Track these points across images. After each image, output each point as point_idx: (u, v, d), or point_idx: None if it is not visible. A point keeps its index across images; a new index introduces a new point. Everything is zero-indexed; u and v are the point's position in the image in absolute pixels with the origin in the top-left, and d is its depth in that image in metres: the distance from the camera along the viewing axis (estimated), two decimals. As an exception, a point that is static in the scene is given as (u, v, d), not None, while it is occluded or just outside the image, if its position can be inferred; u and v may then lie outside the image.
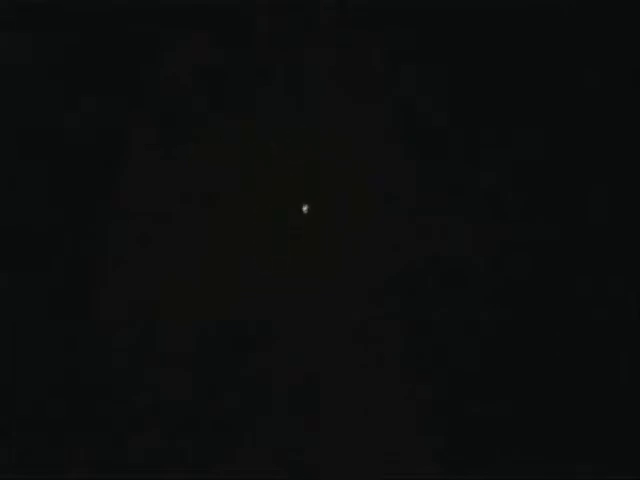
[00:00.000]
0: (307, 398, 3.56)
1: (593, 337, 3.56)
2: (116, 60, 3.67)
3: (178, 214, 3.63)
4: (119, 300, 3.59)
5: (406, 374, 3.56)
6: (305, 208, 3.34)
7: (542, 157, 3.64)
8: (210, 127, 3.66)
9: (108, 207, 3.63)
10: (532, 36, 3.66)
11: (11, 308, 3.58)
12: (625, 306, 3.57)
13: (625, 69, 3.65)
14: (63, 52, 3.67)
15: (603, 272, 3.58)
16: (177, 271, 3.60)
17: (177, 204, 3.64)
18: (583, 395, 3.54)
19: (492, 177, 3.63)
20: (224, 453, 3.54)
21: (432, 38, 3.67)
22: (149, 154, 3.66)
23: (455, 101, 3.66)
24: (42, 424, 3.54)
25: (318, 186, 3.64)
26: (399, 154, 3.65)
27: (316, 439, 3.54)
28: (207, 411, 3.55)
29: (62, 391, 3.55)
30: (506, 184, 3.63)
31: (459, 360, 3.56)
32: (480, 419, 3.54)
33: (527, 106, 3.65)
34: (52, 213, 3.62)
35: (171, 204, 3.64)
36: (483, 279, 3.58)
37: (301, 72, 3.68)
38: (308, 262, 3.61)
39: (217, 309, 3.59)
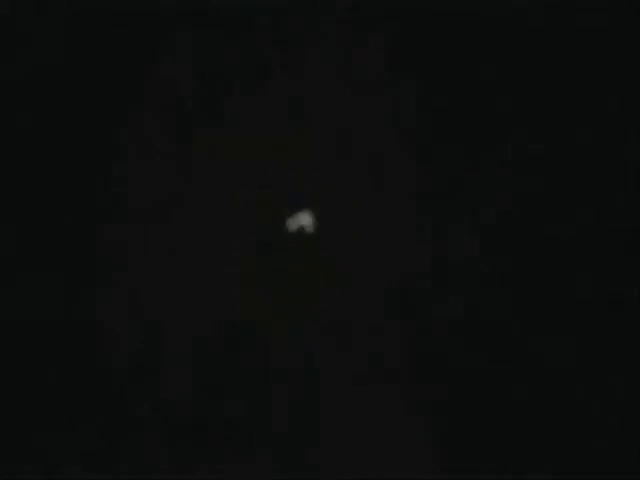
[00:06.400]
0: (307, 399, 3.56)
1: (594, 337, 3.56)
2: (116, 60, 3.67)
3: (178, 214, 3.63)
4: (119, 300, 3.59)
5: (406, 374, 3.57)
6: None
7: (542, 157, 3.64)
8: (210, 127, 3.66)
9: (107, 207, 3.63)
10: (532, 36, 3.66)
11: (12, 308, 3.58)
12: (627, 306, 3.57)
13: (625, 68, 3.65)
14: (63, 52, 3.67)
15: (604, 272, 3.58)
16: (177, 272, 3.60)
17: (177, 204, 3.64)
18: (584, 395, 3.54)
19: (492, 177, 3.63)
20: (224, 453, 3.54)
21: (432, 38, 3.67)
22: (149, 154, 3.66)
23: (455, 101, 3.66)
24: (42, 424, 3.54)
25: (318, 186, 3.65)
26: (400, 154, 3.65)
27: (316, 439, 3.54)
28: (207, 411, 3.55)
29: (62, 391, 3.56)
30: (506, 184, 3.63)
31: (460, 360, 3.56)
32: (480, 419, 3.54)
33: (527, 105, 3.65)
34: (51, 213, 3.62)
35: (171, 204, 3.64)
36: (483, 279, 3.58)
37: (301, 72, 3.68)
38: (307, 262, 3.61)
39: (217, 310, 3.59)
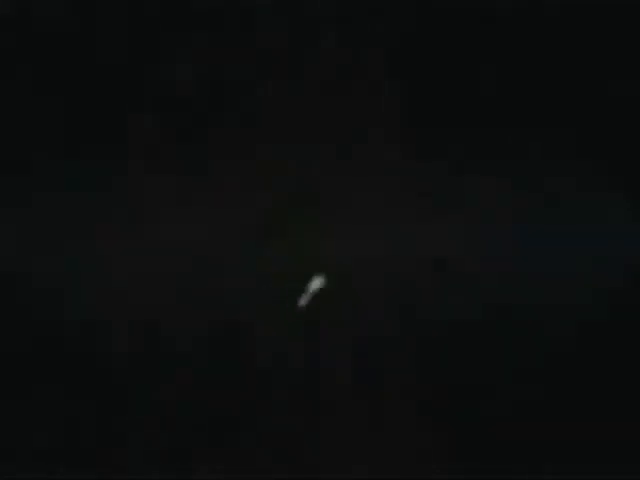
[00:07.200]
0: (307, 398, 3.56)
1: (595, 338, 3.56)
2: (116, 60, 3.68)
3: (179, 215, 3.63)
4: (119, 300, 3.59)
5: (406, 374, 3.57)
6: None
7: (541, 157, 3.64)
8: (210, 127, 3.67)
9: (108, 207, 3.63)
10: (533, 35, 3.66)
11: (11, 307, 3.59)
12: (628, 306, 3.57)
13: (624, 68, 3.65)
14: (63, 52, 3.68)
15: (605, 272, 3.58)
16: (177, 271, 3.60)
17: (177, 205, 3.64)
18: (586, 396, 3.54)
19: (492, 178, 3.63)
20: (224, 453, 3.54)
21: (432, 38, 3.67)
22: (149, 154, 3.66)
23: (455, 101, 3.66)
24: (41, 424, 3.54)
25: (317, 186, 3.65)
26: (399, 154, 3.65)
27: (316, 439, 3.54)
28: (207, 411, 3.55)
29: (61, 391, 3.56)
30: (506, 184, 3.63)
31: (460, 360, 3.56)
32: (480, 420, 3.54)
33: (528, 106, 3.65)
34: (51, 213, 3.63)
35: (171, 204, 3.64)
36: (483, 279, 3.58)
37: (301, 72, 3.68)
38: (306, 263, 3.61)
39: (217, 310, 3.59)
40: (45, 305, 3.58)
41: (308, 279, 3.60)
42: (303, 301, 3.47)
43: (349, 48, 3.68)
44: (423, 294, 3.58)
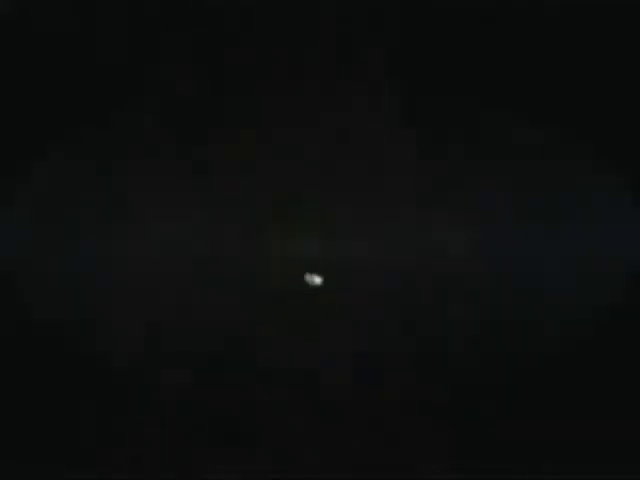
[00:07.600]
0: (307, 398, 3.56)
1: (595, 338, 3.56)
2: (116, 60, 3.67)
3: (179, 215, 3.63)
4: (119, 300, 3.59)
5: (406, 374, 3.56)
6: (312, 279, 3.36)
7: (541, 157, 3.64)
8: (210, 127, 3.66)
9: (107, 207, 3.63)
10: (533, 35, 3.66)
11: (11, 307, 3.59)
12: (628, 306, 3.57)
13: (624, 68, 3.65)
14: (63, 52, 3.67)
15: (604, 273, 3.57)
16: (177, 271, 3.60)
17: (178, 205, 3.63)
18: (586, 396, 3.54)
19: (492, 178, 3.63)
20: (224, 453, 3.54)
21: (432, 38, 3.67)
22: (149, 154, 3.65)
23: (455, 101, 3.65)
24: (41, 424, 3.54)
25: (317, 186, 3.64)
26: (400, 154, 3.65)
27: (316, 439, 3.54)
28: (207, 411, 3.55)
29: (62, 391, 3.56)
30: (506, 184, 3.63)
31: (459, 360, 3.56)
32: (480, 420, 3.54)
33: (528, 106, 3.65)
34: (52, 214, 3.62)
35: (172, 205, 3.63)
36: (482, 280, 3.58)
37: (301, 72, 3.68)
38: (305, 263, 3.61)
39: (217, 310, 3.59)
40: (45, 305, 3.58)
41: (307, 279, 3.60)
42: (311, 279, 3.46)
43: (349, 48, 3.67)
44: (423, 294, 3.58)
